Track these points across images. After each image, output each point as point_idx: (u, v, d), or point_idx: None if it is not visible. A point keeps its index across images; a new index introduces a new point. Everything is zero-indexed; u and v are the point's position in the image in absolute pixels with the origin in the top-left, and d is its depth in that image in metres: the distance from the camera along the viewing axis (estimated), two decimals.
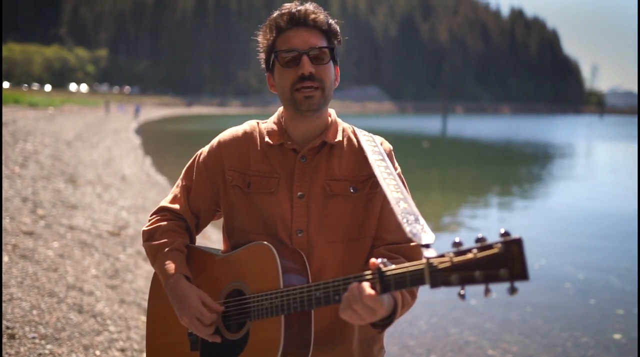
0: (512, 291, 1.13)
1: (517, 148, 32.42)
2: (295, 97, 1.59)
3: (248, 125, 1.76)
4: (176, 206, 1.77)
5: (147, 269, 5.25)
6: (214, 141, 1.76)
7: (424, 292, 1.56)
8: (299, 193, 1.63)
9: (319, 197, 1.63)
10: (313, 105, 1.59)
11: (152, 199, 9.56)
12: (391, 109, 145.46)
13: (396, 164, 1.72)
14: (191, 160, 1.81)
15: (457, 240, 1.20)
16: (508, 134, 45.54)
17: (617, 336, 4.94)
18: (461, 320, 5.14)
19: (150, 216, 1.79)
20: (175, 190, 1.81)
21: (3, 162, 9.60)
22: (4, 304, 3.66)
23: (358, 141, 1.70)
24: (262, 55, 1.69)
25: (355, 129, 1.75)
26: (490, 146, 33.39)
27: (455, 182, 16.73)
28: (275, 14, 1.64)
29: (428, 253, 1.24)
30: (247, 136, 1.72)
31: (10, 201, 6.80)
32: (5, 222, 5.74)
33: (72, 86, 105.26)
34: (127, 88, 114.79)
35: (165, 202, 1.80)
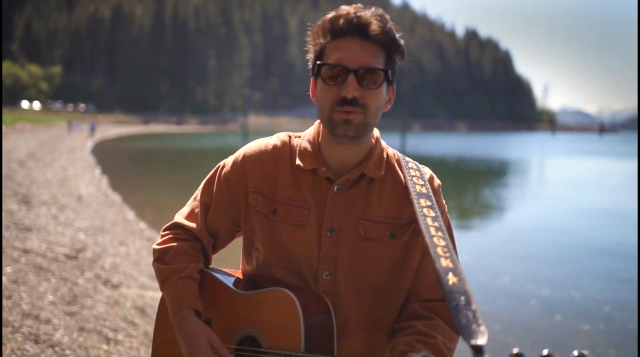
0: None
1: (474, 165, 32.96)
2: (332, 117, 1.36)
3: (279, 140, 1.53)
4: (192, 225, 1.57)
5: (107, 294, 5.03)
6: (239, 154, 1.54)
7: None
8: (329, 228, 1.43)
9: (351, 238, 1.43)
10: (351, 131, 1.36)
11: (110, 219, 9.27)
12: None
13: (443, 201, 1.51)
14: (212, 173, 1.60)
15: (515, 351, 0.91)
16: (465, 150, 46.33)
17: (585, 352, 4.96)
18: None
19: (163, 232, 1.60)
20: (192, 204, 1.61)
21: None
22: None
23: (404, 175, 1.48)
24: (310, 56, 1.43)
25: (401, 157, 1.53)
26: (447, 163, 33.86)
27: None
28: (332, 14, 1.39)
29: None
30: (277, 153, 1.50)
31: None
32: None
33: (25, 104, 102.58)
34: (82, 106, 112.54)
35: (180, 218, 1.60)
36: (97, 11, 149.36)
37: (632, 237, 10.55)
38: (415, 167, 1.50)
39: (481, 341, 1.00)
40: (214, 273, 1.60)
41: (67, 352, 3.64)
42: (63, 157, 20.85)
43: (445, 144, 60.12)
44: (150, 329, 4.37)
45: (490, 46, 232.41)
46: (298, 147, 1.49)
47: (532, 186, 22.16)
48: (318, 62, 1.38)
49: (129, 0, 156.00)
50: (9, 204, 8.49)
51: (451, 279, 1.14)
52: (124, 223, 9.34)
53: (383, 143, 1.52)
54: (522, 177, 26.15)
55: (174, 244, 1.55)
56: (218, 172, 1.58)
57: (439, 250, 1.22)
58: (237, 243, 1.65)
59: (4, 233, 6.48)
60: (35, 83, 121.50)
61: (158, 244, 1.58)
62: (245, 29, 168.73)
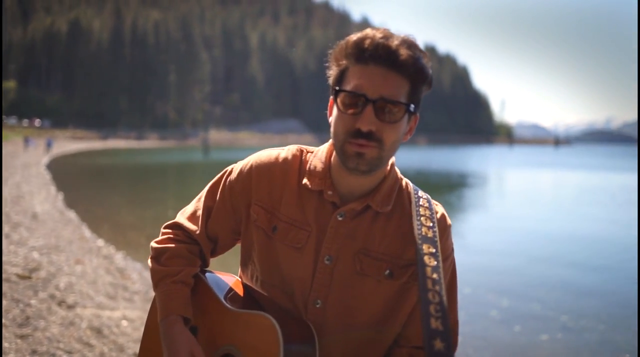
0: None
1: (433, 178, 33.38)
2: (345, 148, 1.29)
3: (290, 153, 1.46)
4: (193, 227, 1.53)
5: (61, 315, 4.87)
6: (247, 162, 1.48)
7: None
8: (327, 256, 1.38)
9: (347, 270, 1.38)
10: (363, 165, 1.29)
11: (66, 237, 9.02)
12: (311, 141, 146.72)
13: (451, 242, 1.46)
14: (218, 176, 1.55)
15: None
16: (426, 163, 46.92)
17: None
18: None
19: (164, 229, 1.57)
20: (196, 204, 1.57)
21: None
22: None
23: (411, 213, 1.40)
24: (331, 74, 1.35)
25: (413, 191, 1.45)
26: (409, 176, 34.16)
27: None
28: (357, 36, 1.29)
29: None
30: (286, 167, 1.44)
31: None
32: None
33: None
34: (37, 121, 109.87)
35: (182, 218, 1.57)
36: (54, 25, 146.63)
37: (589, 248, 10.83)
38: (426, 204, 1.41)
39: None
40: (208, 280, 1.55)
41: None
42: (17, 174, 20.28)
43: (405, 158, 60.75)
44: (107, 350, 4.25)
45: (448, 61, 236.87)
46: (309, 165, 1.43)
47: (490, 198, 22.55)
48: (337, 88, 1.30)
49: (87, 14, 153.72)
50: None
51: (437, 344, 1.10)
52: (81, 241, 9.11)
53: (398, 172, 1.46)
54: (481, 189, 26.59)
55: (172, 245, 1.52)
56: (224, 177, 1.53)
57: (431, 308, 1.15)
58: (239, 247, 1.61)
59: None
60: None
61: (156, 242, 1.54)
62: (206, 44, 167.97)
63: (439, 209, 1.45)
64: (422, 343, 1.38)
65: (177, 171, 33.85)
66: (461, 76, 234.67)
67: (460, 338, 5.20)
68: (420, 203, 1.41)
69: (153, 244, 1.55)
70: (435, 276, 1.22)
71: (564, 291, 7.48)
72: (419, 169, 40.70)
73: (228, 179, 1.51)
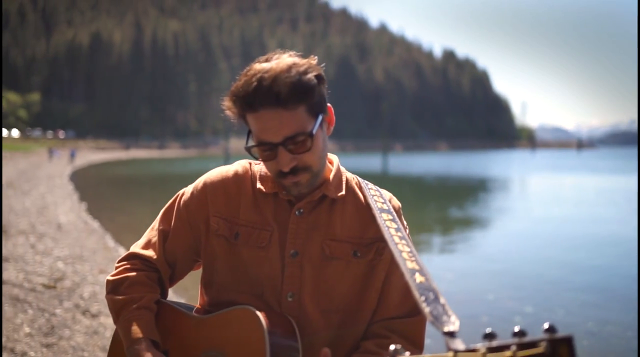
0: None
1: (457, 183, 33.20)
2: (282, 183, 1.40)
3: (240, 166, 1.53)
4: (150, 253, 1.53)
5: (85, 324, 4.94)
6: (199, 181, 1.54)
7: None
8: (292, 251, 1.43)
9: (316, 259, 1.43)
10: (303, 189, 1.40)
11: (90, 247, 9.14)
12: (331, 148, 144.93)
13: (405, 223, 1.51)
14: (171, 201, 1.58)
15: (488, 331, 0.93)
16: (447, 169, 46.73)
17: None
18: None
19: (118, 263, 1.55)
20: (150, 233, 1.57)
21: None
22: None
23: (364, 196, 1.50)
24: (233, 120, 1.41)
25: (361, 181, 1.55)
26: (431, 182, 34.05)
27: None
28: (241, 82, 1.33)
29: (454, 344, 1.00)
30: (238, 179, 1.50)
31: None
32: None
33: (3, 132, 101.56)
34: (61, 132, 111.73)
35: (136, 248, 1.56)
36: (76, 38, 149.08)
37: (614, 253, 10.67)
38: (375, 188, 1.53)
39: (452, 327, 1.04)
40: (170, 303, 1.52)
41: None
42: (42, 185, 20.61)
43: (426, 164, 60.53)
44: None
45: (468, 65, 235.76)
46: (259, 172, 1.50)
47: (512, 203, 22.34)
48: (246, 147, 1.37)
49: (108, 26, 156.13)
50: None
51: (418, 278, 1.17)
52: (104, 250, 9.22)
53: (342, 168, 1.54)
54: (502, 194, 26.37)
55: (130, 274, 1.50)
56: (177, 200, 1.56)
57: (405, 255, 1.24)
58: (199, 274, 1.61)
59: None
60: (13, 111, 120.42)
61: (112, 275, 1.52)
62: (225, 54, 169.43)
63: (387, 193, 1.54)
64: (394, 313, 1.45)
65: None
66: (481, 80, 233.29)
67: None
68: (370, 187, 1.52)
69: (109, 277, 1.52)
70: (399, 234, 1.31)
71: (589, 296, 7.37)
72: (440, 174, 40.59)
73: (182, 201, 1.54)
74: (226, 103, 1.39)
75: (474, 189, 28.38)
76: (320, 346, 1.37)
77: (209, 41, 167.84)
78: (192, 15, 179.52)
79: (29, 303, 5.21)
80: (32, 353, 4.02)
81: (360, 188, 1.52)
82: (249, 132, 1.38)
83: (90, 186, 25.52)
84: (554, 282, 8.25)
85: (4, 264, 6.64)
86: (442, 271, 8.76)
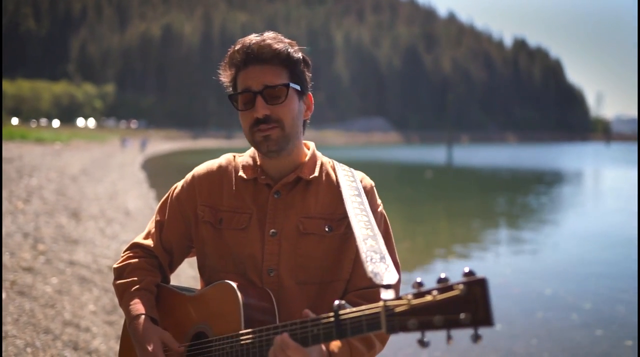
0: (476, 338, 1.01)
1: (524, 176, 32.33)
2: (254, 138, 1.53)
3: (224, 159, 1.70)
4: (149, 242, 1.70)
5: None
6: (189, 175, 1.71)
7: None
8: (272, 230, 1.55)
9: (292, 236, 1.55)
10: (272, 146, 1.52)
11: None
12: (397, 139, 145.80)
13: (378, 201, 1.64)
14: (166, 195, 1.75)
15: (418, 280, 1.07)
16: (515, 162, 45.53)
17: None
18: (465, 353, 5.04)
19: (123, 253, 1.73)
20: (149, 226, 1.75)
21: (8, 198, 9.63)
22: None
23: (337, 177, 1.62)
24: (227, 85, 1.61)
25: (336, 164, 1.68)
26: (496, 175, 33.30)
27: (459, 213, 16.63)
28: (232, 49, 1.56)
29: (385, 295, 1.12)
30: (222, 170, 1.66)
31: (11, 236, 6.79)
32: (5, 258, 5.72)
33: (80, 121, 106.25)
34: (133, 122, 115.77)
35: (138, 238, 1.74)
36: (148, 30, 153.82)
37: None
38: (347, 170, 1.65)
39: (387, 281, 1.19)
40: (171, 285, 1.68)
41: None
42: (114, 173, 21.51)
43: (492, 156, 59.17)
44: None
45: (540, 55, 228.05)
46: (241, 163, 1.65)
47: (583, 198, 21.58)
48: (229, 95, 1.56)
49: (179, 19, 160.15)
50: (59, 218, 8.85)
51: (369, 242, 1.34)
52: None
53: (318, 153, 1.68)
54: (572, 188, 25.50)
55: (132, 261, 1.67)
56: (170, 194, 1.73)
57: (361, 223, 1.41)
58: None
59: (53, 246, 6.78)
60: (90, 101, 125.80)
61: (117, 264, 1.69)
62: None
63: (359, 173, 1.66)
64: (366, 284, 1.54)
65: None
66: (554, 70, 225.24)
67: (534, 341, 5.04)
68: (342, 168, 1.65)
69: (114, 266, 1.70)
70: (361, 207, 1.48)
71: None
72: (506, 167, 39.58)
73: (174, 194, 1.72)
74: (222, 69, 1.59)
75: (544, 183, 27.57)
76: (298, 316, 1.47)
77: (276, 32, 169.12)
78: (259, 7, 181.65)
79: (95, 283, 5.53)
80: (95, 329, 4.29)
81: (335, 170, 1.64)
82: (230, 96, 1.57)
83: (159, 174, 26.39)
84: (616, 279, 7.97)
85: (74, 246, 7.05)
86: (500, 267, 8.64)
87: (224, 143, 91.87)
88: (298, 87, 1.55)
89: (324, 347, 1.37)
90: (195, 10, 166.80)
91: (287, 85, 1.51)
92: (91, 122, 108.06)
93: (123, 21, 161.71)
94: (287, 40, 1.56)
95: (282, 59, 1.52)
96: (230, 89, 1.59)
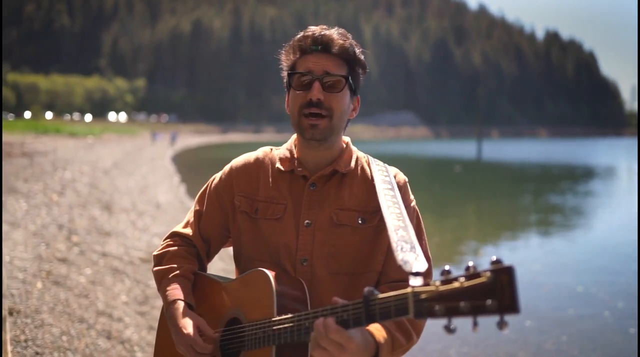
0: (502, 325, 1.03)
1: (555, 172, 31.84)
2: (301, 122, 1.56)
3: (261, 151, 1.74)
4: (187, 231, 1.75)
5: None
6: (227, 167, 1.75)
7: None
8: (306, 221, 1.59)
9: (326, 227, 1.59)
10: (317, 135, 1.55)
11: None
12: (426, 134, 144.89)
13: (411, 197, 1.67)
14: (205, 186, 1.80)
15: (446, 268, 1.11)
16: (545, 157, 44.86)
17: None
18: (494, 349, 5.01)
19: (162, 241, 1.78)
20: (188, 216, 1.80)
21: (43, 190, 9.87)
22: (34, 330, 3.72)
23: (371, 171, 1.65)
24: (284, 74, 1.64)
25: (370, 159, 1.71)
26: (526, 170, 32.86)
27: (488, 208, 16.47)
28: (300, 35, 1.61)
29: (414, 281, 1.17)
30: (259, 162, 1.70)
31: (46, 228, 6.95)
32: (41, 248, 5.87)
33: (112, 115, 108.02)
34: (163, 116, 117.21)
35: (177, 228, 1.79)
36: (178, 26, 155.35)
37: None
38: (381, 165, 1.69)
39: (418, 268, 1.22)
40: (208, 273, 1.72)
41: (136, 348, 3.87)
42: (144, 166, 21.81)
43: (523, 151, 58.36)
44: None
45: (572, 48, 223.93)
46: (278, 155, 1.69)
47: (616, 194, 21.18)
48: (289, 72, 1.59)
49: (208, 14, 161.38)
50: (92, 210, 9.03)
51: (400, 232, 1.37)
52: None
53: (354, 148, 1.71)
54: (607, 185, 25.02)
55: (171, 248, 1.72)
56: (209, 185, 1.77)
57: (393, 215, 1.45)
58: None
59: (86, 238, 6.93)
60: (121, 96, 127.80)
61: (157, 251, 1.74)
62: None
63: (393, 169, 1.70)
64: (399, 276, 1.57)
65: None
66: (587, 63, 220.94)
67: (565, 338, 4.98)
68: (377, 163, 1.68)
69: (154, 253, 1.75)
70: (394, 200, 1.51)
71: None
72: (540, 162, 39.03)
73: (213, 184, 1.76)
74: (283, 53, 1.63)
75: (576, 178, 27.13)
76: None
77: (305, 26, 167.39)
78: (288, 2, 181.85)
79: (127, 274, 5.63)
80: (127, 319, 4.38)
81: (369, 164, 1.67)
82: (289, 73, 1.59)
83: (189, 167, 26.68)
84: None
85: (106, 238, 7.19)
86: (530, 262, 8.55)
87: (252, 137, 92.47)
88: (352, 85, 1.59)
89: (370, 337, 1.39)
90: (224, 5, 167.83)
91: (346, 78, 1.56)
92: (122, 116, 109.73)
93: (154, 16, 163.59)
94: (353, 41, 1.61)
95: (347, 55, 1.57)
96: (285, 74, 1.63)
